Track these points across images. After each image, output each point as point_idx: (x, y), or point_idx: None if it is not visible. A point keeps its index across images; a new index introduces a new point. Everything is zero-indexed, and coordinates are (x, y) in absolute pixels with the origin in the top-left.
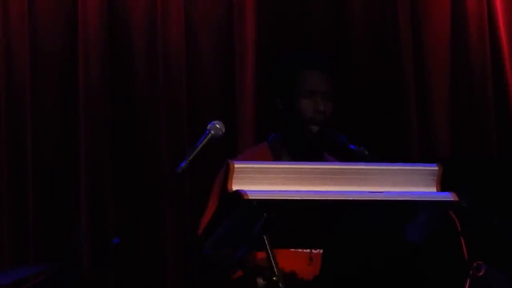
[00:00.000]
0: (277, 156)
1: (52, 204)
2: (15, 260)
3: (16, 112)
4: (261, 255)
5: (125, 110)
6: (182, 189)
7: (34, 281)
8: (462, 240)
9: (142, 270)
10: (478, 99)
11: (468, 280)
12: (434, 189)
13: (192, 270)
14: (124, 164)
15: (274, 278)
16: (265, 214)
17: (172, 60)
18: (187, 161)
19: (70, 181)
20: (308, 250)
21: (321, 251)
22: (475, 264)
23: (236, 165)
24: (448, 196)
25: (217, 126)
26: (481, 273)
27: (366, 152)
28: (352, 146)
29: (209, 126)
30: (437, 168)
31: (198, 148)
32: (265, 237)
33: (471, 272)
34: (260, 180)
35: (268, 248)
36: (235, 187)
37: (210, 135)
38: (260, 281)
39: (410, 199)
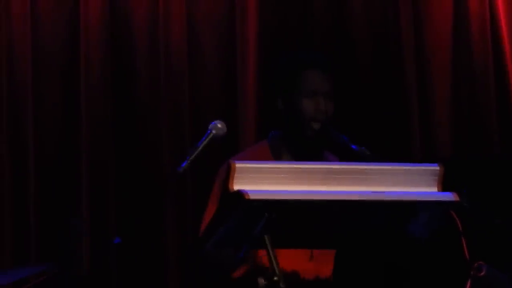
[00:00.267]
0: (277, 155)
1: (53, 204)
2: (16, 260)
3: (17, 112)
4: (262, 253)
5: (126, 110)
6: (183, 189)
7: (35, 281)
8: (464, 240)
9: (143, 270)
10: (479, 99)
11: (470, 280)
12: (435, 189)
13: (193, 270)
14: (125, 164)
15: (275, 278)
16: (266, 214)
17: (174, 60)
18: (189, 161)
19: (71, 181)
20: None
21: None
22: (476, 264)
23: (237, 165)
24: (450, 196)
25: (219, 126)
26: (482, 273)
27: (368, 152)
28: (353, 146)
29: (210, 126)
30: (438, 168)
31: (200, 148)
32: (266, 237)
33: (472, 272)
34: (261, 180)
35: (269, 248)
36: (236, 187)
37: (211, 135)
38: (261, 281)
39: (411, 199)
